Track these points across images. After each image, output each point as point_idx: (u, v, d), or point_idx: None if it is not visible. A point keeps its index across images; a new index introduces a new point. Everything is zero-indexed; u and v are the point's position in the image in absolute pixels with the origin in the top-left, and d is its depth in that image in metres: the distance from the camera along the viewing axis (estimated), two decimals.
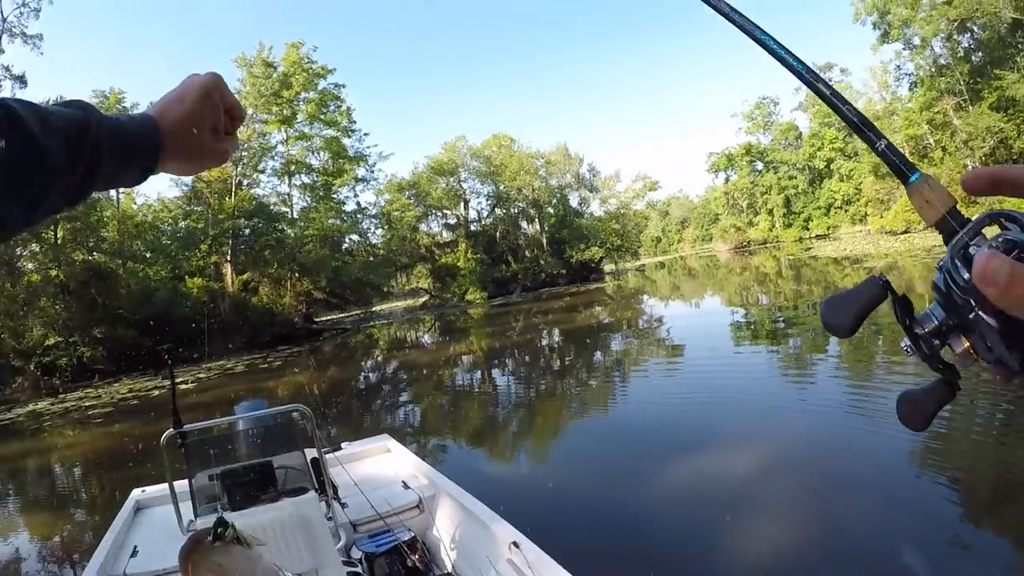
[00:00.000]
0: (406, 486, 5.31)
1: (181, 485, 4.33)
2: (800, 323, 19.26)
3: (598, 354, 20.34)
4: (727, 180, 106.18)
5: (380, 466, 6.25)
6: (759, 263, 56.63)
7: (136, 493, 6.14)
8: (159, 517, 4.54)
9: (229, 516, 3.71)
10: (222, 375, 28.09)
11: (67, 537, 10.07)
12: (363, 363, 29.86)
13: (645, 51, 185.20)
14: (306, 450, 4.55)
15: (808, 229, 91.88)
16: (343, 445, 6.72)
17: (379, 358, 30.96)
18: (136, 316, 38.01)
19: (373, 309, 61.40)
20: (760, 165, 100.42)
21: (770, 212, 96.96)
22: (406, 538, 4.58)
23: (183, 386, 25.68)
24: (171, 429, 4.20)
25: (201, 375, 28.51)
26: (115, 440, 18.05)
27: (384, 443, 6.78)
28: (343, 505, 4.84)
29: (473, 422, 13.44)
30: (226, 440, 4.96)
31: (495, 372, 20.11)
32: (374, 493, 5.09)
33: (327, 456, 5.33)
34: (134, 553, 4.79)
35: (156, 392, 25.50)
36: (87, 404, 25.35)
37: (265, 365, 30.48)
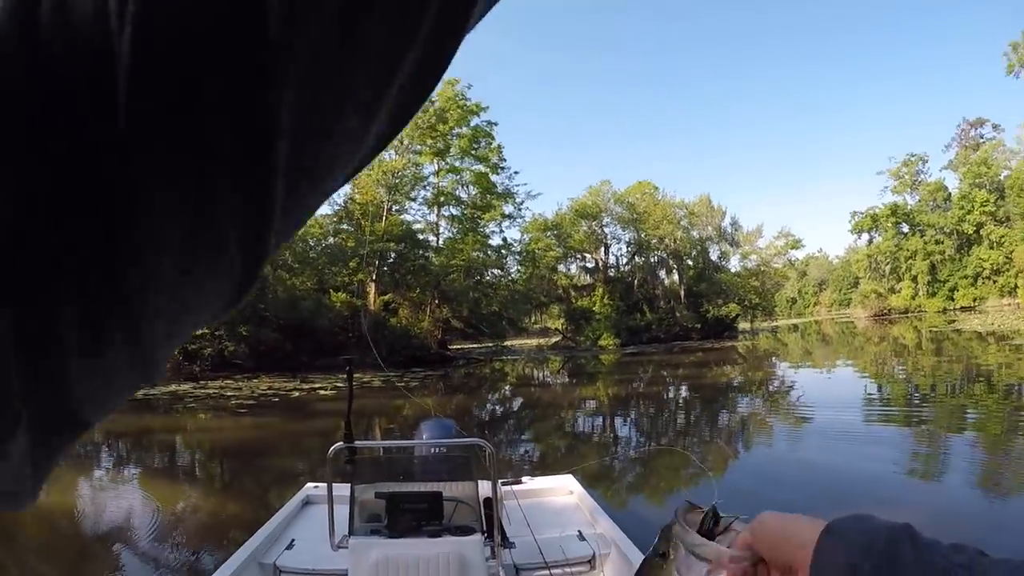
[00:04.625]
0: (581, 536, 4.82)
1: (343, 488, 4.09)
2: (937, 401, 18.25)
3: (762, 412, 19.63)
4: (870, 242, 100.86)
5: (558, 508, 5.76)
6: (898, 333, 54.23)
7: (308, 487, 6.08)
8: (324, 518, 4.37)
9: (386, 541, 3.48)
10: (359, 386, 28.30)
11: (210, 516, 10.10)
12: (502, 395, 29.70)
13: (787, 100, 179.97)
14: (480, 482, 4.17)
15: (953, 300, 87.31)
16: (524, 479, 6.30)
17: (517, 392, 30.64)
18: (280, 321, 39.30)
19: (505, 343, 61.33)
20: (906, 227, 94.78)
21: (914, 279, 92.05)
22: None
23: (322, 392, 26.12)
24: (340, 443, 3.98)
25: (339, 384, 28.77)
26: (261, 432, 18.51)
27: (567, 484, 6.23)
28: (511, 545, 4.41)
29: (633, 471, 12.91)
30: (395, 454, 4.96)
31: (656, 421, 19.61)
32: (545, 537, 4.63)
33: (503, 488, 4.96)
34: (290, 546, 4.74)
35: (296, 393, 25.94)
36: (228, 394, 26.11)
37: (402, 383, 30.64)
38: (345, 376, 4.50)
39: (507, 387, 33.31)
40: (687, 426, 17.89)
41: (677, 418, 19.67)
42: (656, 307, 70.23)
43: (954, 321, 61.47)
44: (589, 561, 4.54)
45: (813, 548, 0.79)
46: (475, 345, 59.93)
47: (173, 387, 28.70)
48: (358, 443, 3.99)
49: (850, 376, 26.77)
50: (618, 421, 19.82)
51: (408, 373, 35.87)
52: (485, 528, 3.84)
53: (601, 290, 67.99)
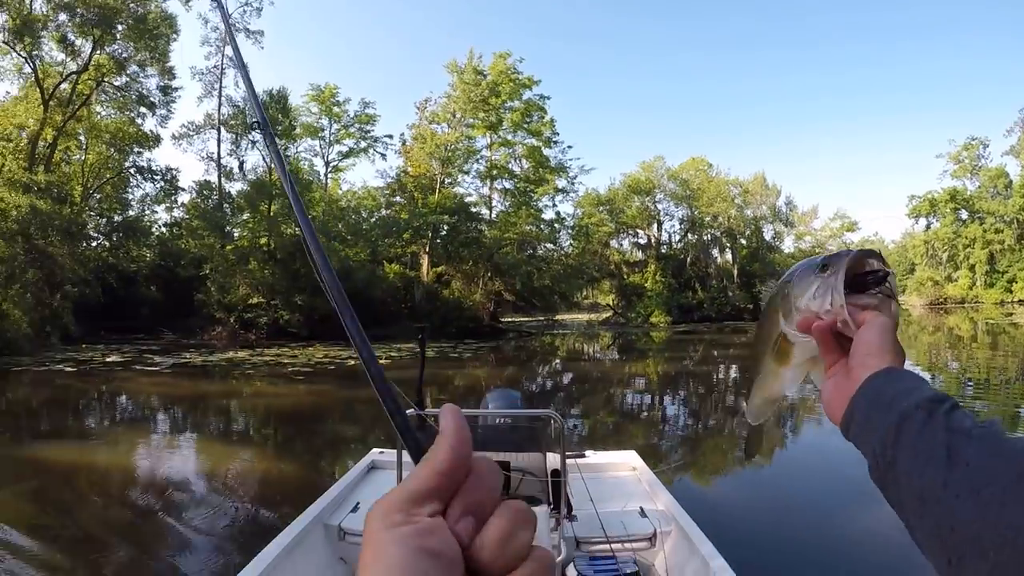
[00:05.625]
0: (643, 513, 4.82)
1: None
2: (991, 394, 17.83)
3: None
4: (928, 227, 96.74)
5: (620, 484, 5.74)
6: (953, 324, 53.03)
7: (374, 452, 6.21)
8: (389, 484, 4.35)
9: None
10: (413, 356, 28.38)
11: (267, 479, 10.25)
12: (552, 368, 29.76)
13: (847, 77, 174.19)
14: (548, 455, 4.19)
15: (1011, 292, 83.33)
16: (587, 453, 6.29)
17: (568, 366, 30.69)
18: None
19: (556, 318, 61.48)
20: (965, 214, 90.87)
21: (971, 268, 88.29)
22: (628, 571, 4.01)
23: (379, 360, 26.32)
24: (412, 409, 3.86)
25: (393, 353, 29.02)
26: (317, 399, 18.75)
27: (630, 460, 6.23)
28: (573, 518, 4.42)
29: (692, 447, 12.90)
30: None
31: (706, 401, 19.69)
32: (607, 512, 4.64)
33: (567, 462, 4.98)
34: (355, 509, 4.82)
35: (351, 361, 26.07)
36: (285, 361, 26.47)
37: (455, 355, 30.84)
38: (418, 343, 4.54)
39: (557, 361, 33.38)
40: (737, 408, 17.79)
41: (726, 399, 19.56)
42: (708, 286, 69.61)
43: (1012, 314, 60.08)
44: (650, 538, 4.55)
45: (868, 376, 0.92)
46: (526, 318, 60.13)
47: (230, 354, 29.19)
48: (429, 411, 3.98)
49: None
50: (669, 399, 19.79)
51: (460, 344, 36.13)
52: (551, 501, 3.87)
53: (653, 267, 67.66)
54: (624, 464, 6.20)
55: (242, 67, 2.25)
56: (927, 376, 21.52)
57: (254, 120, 2.00)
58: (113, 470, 10.73)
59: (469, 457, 0.52)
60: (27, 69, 39.07)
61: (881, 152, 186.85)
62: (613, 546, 4.27)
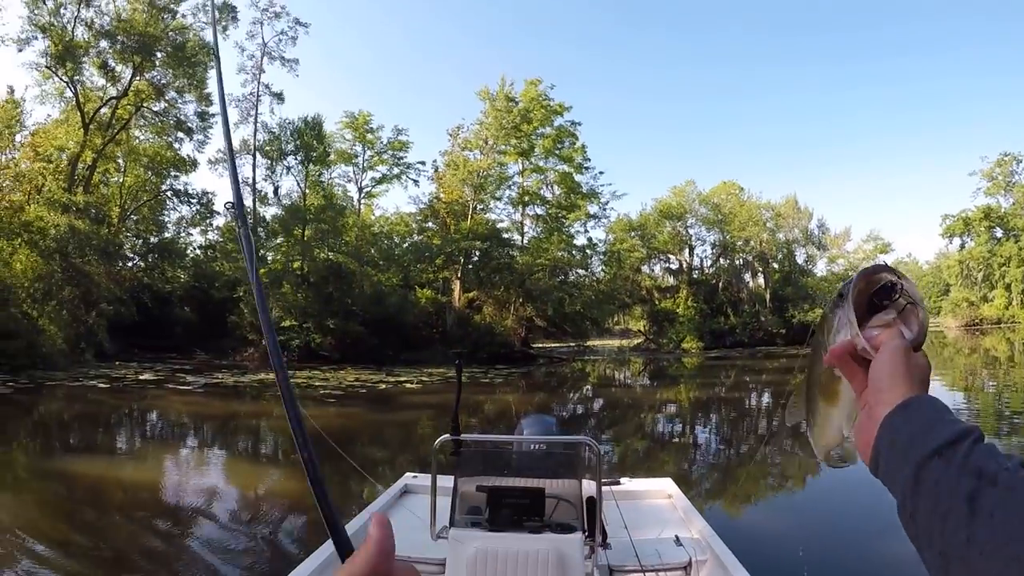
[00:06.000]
0: (678, 541, 4.73)
1: (444, 480, 4.06)
2: None
3: None
4: (962, 247, 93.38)
5: (655, 511, 5.68)
6: (990, 345, 52.25)
7: (407, 477, 6.20)
8: (422, 508, 4.32)
9: (486, 534, 3.58)
10: (444, 381, 28.43)
11: (306, 501, 10.21)
12: (583, 394, 29.69)
13: (878, 98, 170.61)
14: (583, 482, 4.10)
15: None
16: (622, 480, 6.23)
17: (599, 392, 30.54)
18: (366, 315, 40.19)
19: (587, 343, 61.21)
20: (999, 232, 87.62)
21: (1007, 287, 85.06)
22: None
23: (408, 385, 26.37)
24: (447, 435, 4.03)
25: (424, 378, 29.06)
26: (347, 421, 18.74)
27: (665, 487, 6.17)
28: (607, 546, 4.22)
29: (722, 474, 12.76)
30: (497, 448, 4.88)
31: (738, 427, 19.51)
32: (641, 540, 4.56)
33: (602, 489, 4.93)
34: None
35: (382, 385, 26.25)
36: (316, 384, 26.47)
37: (486, 380, 30.75)
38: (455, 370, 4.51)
39: (588, 387, 33.24)
40: (769, 435, 17.56)
41: (759, 426, 19.32)
42: (740, 311, 68.57)
43: None
44: (684, 567, 4.46)
45: (885, 415, 0.85)
46: (557, 344, 59.76)
47: (261, 376, 29.34)
48: (464, 436, 4.02)
49: (937, 389, 25.97)
50: (702, 425, 19.62)
51: (492, 370, 36.05)
52: (586, 529, 3.81)
53: (685, 292, 67.16)
54: (660, 491, 6.13)
55: (230, 152, 2.23)
56: (962, 400, 21.30)
57: (228, 202, 1.96)
58: (141, 485, 10.76)
59: (388, 566, 0.55)
60: (68, 93, 40.09)
61: (916, 172, 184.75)
62: (647, 575, 4.23)
